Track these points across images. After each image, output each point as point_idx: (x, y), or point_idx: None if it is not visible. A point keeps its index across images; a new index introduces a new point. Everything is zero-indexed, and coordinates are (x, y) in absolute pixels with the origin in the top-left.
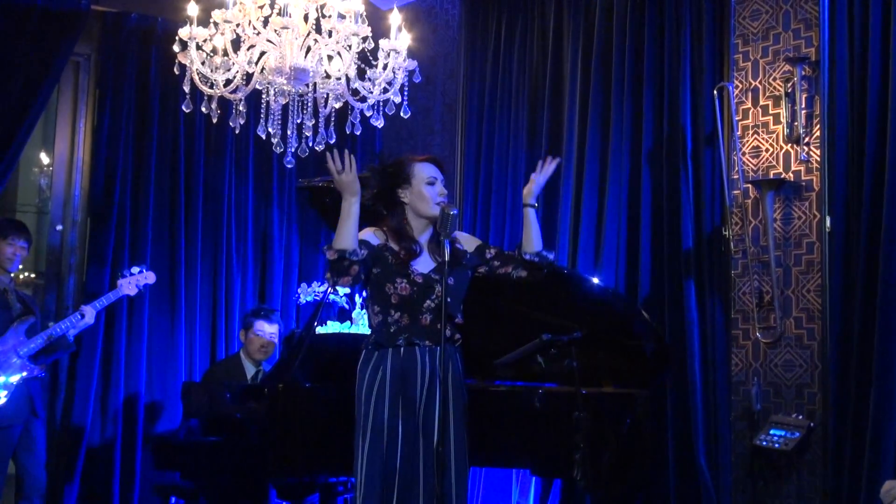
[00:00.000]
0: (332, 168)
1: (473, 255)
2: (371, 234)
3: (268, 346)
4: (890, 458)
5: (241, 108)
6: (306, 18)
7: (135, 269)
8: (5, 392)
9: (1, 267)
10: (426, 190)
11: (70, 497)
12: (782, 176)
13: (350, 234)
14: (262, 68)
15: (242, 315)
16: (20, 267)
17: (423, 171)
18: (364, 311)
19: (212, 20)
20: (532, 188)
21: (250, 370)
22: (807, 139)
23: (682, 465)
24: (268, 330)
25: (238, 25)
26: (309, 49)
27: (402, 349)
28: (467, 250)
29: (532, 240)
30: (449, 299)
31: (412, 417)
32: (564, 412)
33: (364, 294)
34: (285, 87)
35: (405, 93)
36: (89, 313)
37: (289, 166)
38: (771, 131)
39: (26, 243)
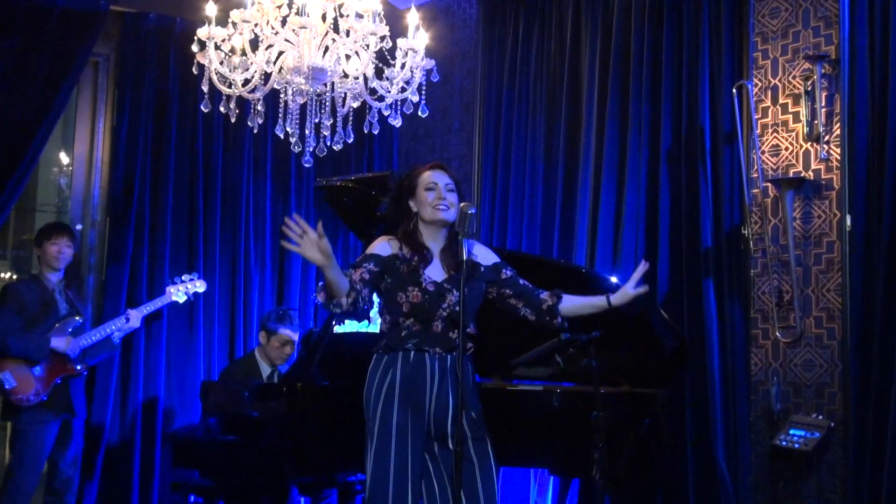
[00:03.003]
0: (292, 236)
1: (489, 270)
2: (383, 245)
3: (290, 352)
4: None
5: (259, 108)
6: (324, 18)
7: (185, 277)
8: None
9: (49, 266)
10: (426, 195)
11: (90, 494)
12: (802, 174)
13: (334, 289)
14: (281, 68)
15: (264, 315)
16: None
17: (425, 178)
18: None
19: (230, 20)
20: (622, 298)
21: (266, 370)
22: (826, 137)
23: (700, 465)
24: (292, 337)
25: (256, 25)
26: (327, 48)
27: (411, 353)
28: (483, 264)
29: (575, 311)
30: (459, 308)
31: (421, 423)
32: (583, 412)
33: (381, 300)
34: (303, 87)
35: (423, 92)
36: (134, 317)
37: (307, 166)
38: (790, 130)
39: (70, 241)
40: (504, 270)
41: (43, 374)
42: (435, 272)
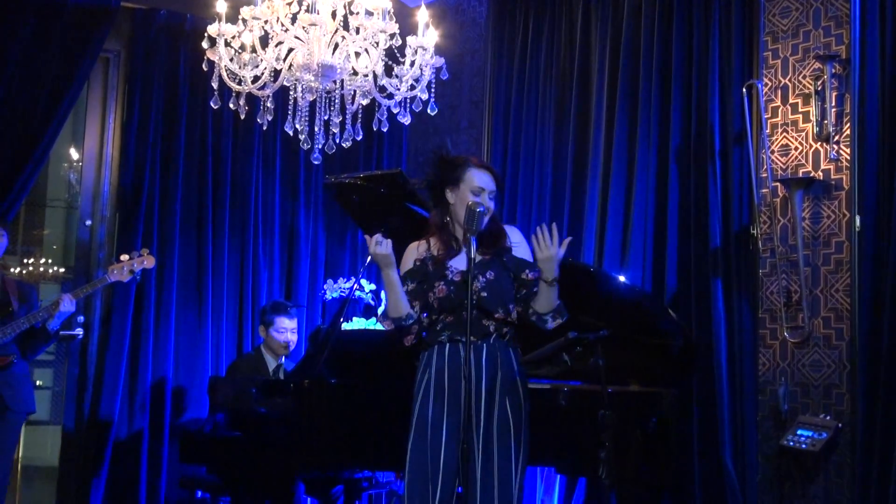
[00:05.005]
0: (369, 242)
1: (514, 260)
2: (410, 254)
3: (291, 340)
4: None
5: (268, 105)
6: (334, 15)
7: (133, 253)
8: None
9: None
10: (470, 197)
11: (97, 490)
12: (811, 174)
13: (398, 302)
14: (290, 65)
15: (259, 311)
16: (38, 259)
17: (475, 179)
18: None
19: (240, 17)
20: (545, 266)
21: (271, 364)
22: (836, 137)
23: (708, 465)
24: (289, 325)
25: (266, 22)
26: (336, 46)
27: (446, 346)
28: (511, 249)
29: (540, 303)
30: (486, 294)
31: (456, 414)
32: (590, 410)
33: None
34: (313, 84)
35: (432, 89)
36: (66, 301)
37: (316, 163)
38: (800, 129)
39: (3, 231)
40: (529, 271)
41: None
42: (461, 262)
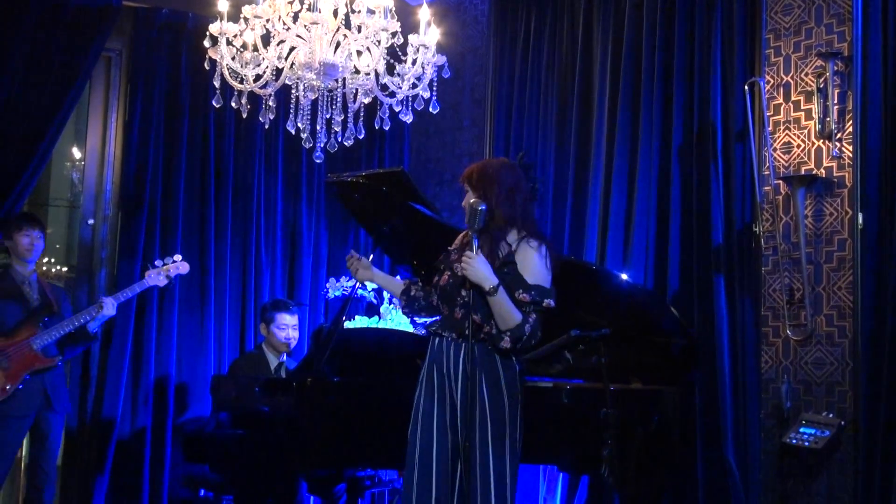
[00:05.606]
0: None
1: (511, 276)
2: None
3: (292, 337)
4: None
5: (270, 104)
6: (336, 14)
7: (166, 259)
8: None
9: (19, 259)
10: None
11: (100, 488)
12: (814, 172)
13: (395, 292)
14: (292, 64)
15: (260, 309)
16: (41, 259)
17: None
18: (391, 305)
19: (242, 16)
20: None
21: (273, 362)
22: (839, 135)
23: (710, 463)
24: (290, 322)
25: (268, 21)
26: (338, 44)
27: (436, 339)
28: (515, 263)
29: (496, 318)
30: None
31: (444, 408)
32: (592, 409)
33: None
34: (315, 83)
35: (434, 88)
36: (108, 304)
37: (318, 161)
38: (802, 127)
39: (41, 234)
40: (521, 292)
41: (10, 368)
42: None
